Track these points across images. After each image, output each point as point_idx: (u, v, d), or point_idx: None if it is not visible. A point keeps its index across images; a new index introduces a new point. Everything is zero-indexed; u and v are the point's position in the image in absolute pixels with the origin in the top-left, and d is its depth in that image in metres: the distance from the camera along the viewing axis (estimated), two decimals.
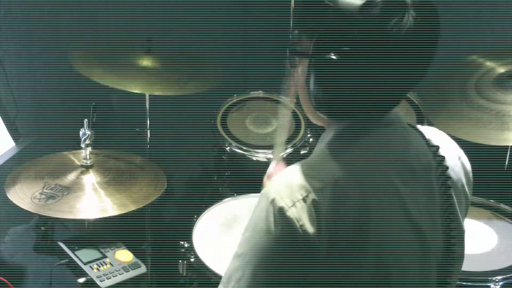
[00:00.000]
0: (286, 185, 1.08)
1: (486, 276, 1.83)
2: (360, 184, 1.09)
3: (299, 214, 1.05)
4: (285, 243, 1.06)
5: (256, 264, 1.08)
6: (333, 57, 1.06)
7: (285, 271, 1.08)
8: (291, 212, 1.05)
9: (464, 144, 1.34)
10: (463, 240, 1.23)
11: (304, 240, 1.05)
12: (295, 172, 1.11)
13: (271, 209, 1.07)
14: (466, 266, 1.80)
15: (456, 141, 1.30)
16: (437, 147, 1.20)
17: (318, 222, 1.05)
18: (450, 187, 1.18)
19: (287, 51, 1.16)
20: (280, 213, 1.06)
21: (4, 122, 2.33)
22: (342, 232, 1.07)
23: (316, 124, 1.23)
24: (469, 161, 1.29)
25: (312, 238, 1.05)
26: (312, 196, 1.06)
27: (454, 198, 1.20)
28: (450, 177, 1.19)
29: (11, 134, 2.34)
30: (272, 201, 1.07)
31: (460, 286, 1.81)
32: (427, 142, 1.20)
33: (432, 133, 1.25)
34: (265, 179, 1.62)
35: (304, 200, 1.06)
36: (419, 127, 1.24)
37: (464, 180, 1.24)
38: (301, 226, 1.05)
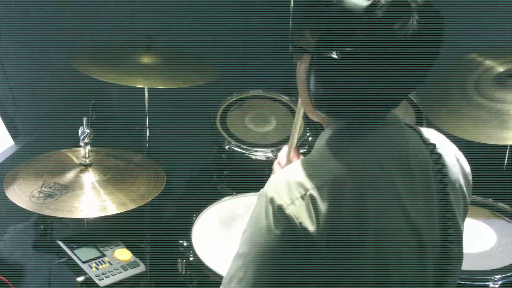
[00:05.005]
0: (285, 183, 1.09)
1: (485, 275, 1.84)
2: (358, 182, 1.09)
3: (298, 211, 1.06)
4: (286, 241, 1.07)
5: (258, 263, 1.09)
6: (335, 56, 1.06)
7: (287, 269, 1.08)
8: (290, 210, 1.06)
9: (463, 143, 1.34)
10: (461, 240, 1.23)
11: (304, 237, 1.06)
12: (294, 170, 1.12)
13: (270, 208, 1.08)
14: (465, 265, 1.80)
15: (455, 140, 1.30)
16: (434, 145, 1.20)
17: (317, 219, 1.06)
18: (447, 184, 1.19)
19: (290, 46, 1.17)
20: (279, 211, 1.07)
21: (3, 120, 2.33)
22: (341, 229, 1.07)
23: (315, 123, 1.24)
24: (468, 160, 1.29)
25: (312, 235, 1.06)
26: (311, 193, 1.07)
27: (452, 197, 1.20)
28: (447, 175, 1.19)
29: (10, 133, 2.34)
30: (271, 200, 1.08)
31: (459, 285, 1.81)
32: (424, 140, 1.21)
33: (431, 134, 1.26)
34: (275, 165, 1.59)
35: (302, 198, 1.07)
36: (417, 127, 1.25)
37: (462, 182, 1.24)
38: (301, 223, 1.06)
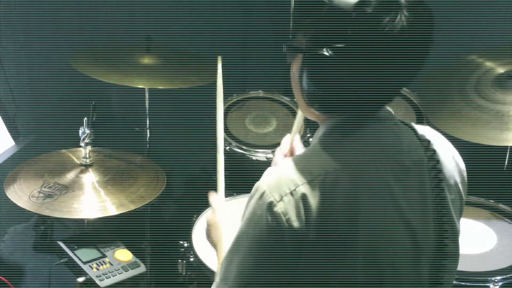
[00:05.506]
0: (276, 179, 1.11)
1: (485, 276, 1.84)
2: (350, 178, 1.10)
3: (286, 208, 1.08)
4: (270, 236, 1.09)
5: (244, 253, 1.12)
6: (326, 53, 1.07)
7: (271, 263, 1.10)
8: (279, 207, 1.08)
9: (463, 144, 1.34)
10: (457, 238, 1.23)
11: (290, 233, 1.07)
12: (286, 166, 1.13)
13: (261, 203, 1.10)
14: (466, 266, 1.82)
15: (455, 141, 1.30)
16: (429, 141, 1.21)
17: (306, 215, 1.07)
18: (442, 180, 1.19)
19: (284, 46, 1.18)
20: (268, 208, 1.09)
21: (3, 121, 2.33)
22: (332, 226, 1.08)
23: (315, 124, 1.24)
24: (468, 161, 1.29)
25: (299, 231, 1.07)
26: (301, 189, 1.08)
27: (447, 193, 1.20)
28: (441, 171, 1.20)
29: (10, 133, 2.34)
30: (262, 195, 1.10)
31: (459, 286, 1.81)
32: (419, 137, 1.21)
33: (426, 131, 1.26)
34: (277, 153, 1.58)
35: (291, 193, 1.08)
36: (411, 123, 1.25)
37: (458, 179, 1.24)
38: (287, 220, 1.07)
